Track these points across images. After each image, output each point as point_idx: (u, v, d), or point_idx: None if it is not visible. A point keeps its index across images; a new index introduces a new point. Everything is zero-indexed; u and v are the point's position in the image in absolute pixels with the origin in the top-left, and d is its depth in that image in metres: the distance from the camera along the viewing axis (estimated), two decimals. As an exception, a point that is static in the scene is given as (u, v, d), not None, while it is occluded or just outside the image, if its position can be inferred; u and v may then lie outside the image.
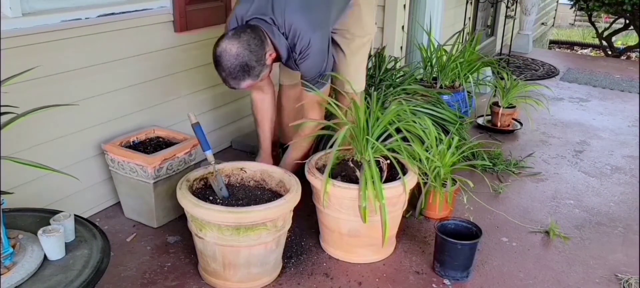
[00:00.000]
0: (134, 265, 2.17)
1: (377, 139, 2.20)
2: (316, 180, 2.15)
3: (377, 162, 2.16)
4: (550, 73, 5.75)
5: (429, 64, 3.71)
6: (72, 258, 1.56)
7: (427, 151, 2.39)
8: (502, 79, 3.90)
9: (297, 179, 2.12)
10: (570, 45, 10.43)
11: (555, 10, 9.64)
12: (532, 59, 6.34)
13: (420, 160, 2.34)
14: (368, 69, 3.45)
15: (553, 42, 10.13)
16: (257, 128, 2.64)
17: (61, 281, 1.46)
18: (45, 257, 1.54)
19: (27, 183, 2.14)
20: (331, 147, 2.17)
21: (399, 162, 2.20)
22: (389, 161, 2.20)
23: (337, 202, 2.13)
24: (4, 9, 1.99)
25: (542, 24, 8.57)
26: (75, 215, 1.69)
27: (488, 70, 4.20)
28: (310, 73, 2.24)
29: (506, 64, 5.59)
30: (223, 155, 3.19)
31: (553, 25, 9.96)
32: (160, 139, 2.55)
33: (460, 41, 3.87)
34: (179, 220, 2.46)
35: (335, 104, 2.28)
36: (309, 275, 2.16)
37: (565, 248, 2.44)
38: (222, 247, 1.93)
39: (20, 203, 1.83)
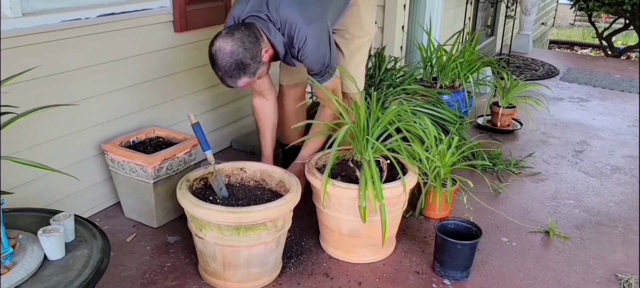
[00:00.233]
0: (134, 265, 2.17)
1: (377, 139, 2.20)
2: (316, 180, 2.15)
3: (377, 162, 2.16)
4: (550, 73, 5.75)
5: (429, 64, 3.71)
6: (72, 258, 1.56)
7: (427, 151, 2.39)
8: (502, 79, 3.91)
9: (297, 179, 2.12)
10: (570, 45, 10.44)
11: (555, 10, 9.65)
12: (532, 59, 6.34)
13: (420, 160, 2.34)
14: (368, 69, 3.45)
15: (553, 42, 10.14)
16: (258, 135, 2.63)
17: (61, 281, 1.46)
18: (45, 257, 1.54)
19: (27, 183, 2.14)
20: (331, 147, 2.17)
21: (399, 162, 2.20)
22: (389, 161, 2.20)
23: (337, 202, 2.13)
24: (4, 9, 1.99)
25: (542, 24, 8.57)
26: (75, 215, 1.69)
27: (488, 70, 4.20)
28: (316, 66, 2.21)
29: (506, 64, 5.59)
30: (223, 155, 3.19)
31: (553, 25, 9.96)
32: (160, 139, 2.55)
33: (460, 41, 3.87)
34: (179, 220, 2.46)
35: (337, 100, 2.28)
36: (309, 275, 2.16)
37: (565, 248, 2.44)
38: (222, 247, 1.93)
39: (20, 203, 1.83)
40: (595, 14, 8.40)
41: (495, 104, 3.88)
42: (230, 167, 2.24)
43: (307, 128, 2.61)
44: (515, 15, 6.01)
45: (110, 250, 1.65)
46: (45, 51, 2.13)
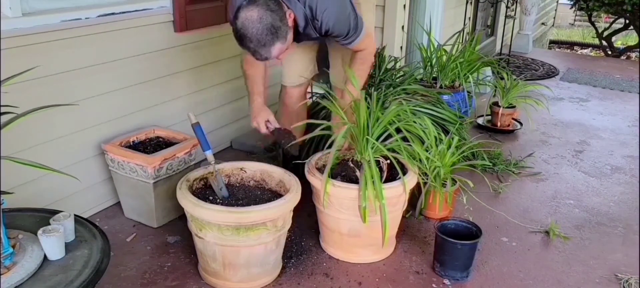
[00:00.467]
0: (134, 265, 2.17)
1: (377, 139, 2.20)
2: (316, 180, 2.15)
3: (377, 162, 2.16)
4: (550, 73, 5.75)
5: (429, 64, 3.71)
6: (72, 258, 1.56)
7: (427, 151, 2.39)
8: (502, 78, 3.90)
9: (297, 179, 2.12)
10: (570, 45, 10.43)
11: (555, 10, 9.64)
12: (532, 59, 6.34)
13: (420, 160, 2.33)
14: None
15: (553, 42, 10.13)
16: (247, 83, 2.43)
17: (61, 281, 1.46)
18: (45, 257, 1.54)
19: (27, 183, 2.14)
20: (330, 147, 2.17)
21: (399, 162, 2.20)
22: (389, 161, 2.19)
23: (337, 202, 2.13)
24: (4, 9, 1.99)
25: (542, 24, 8.57)
26: (75, 215, 1.69)
27: (488, 70, 4.20)
28: (343, 31, 2.19)
29: (506, 64, 5.58)
30: (223, 155, 3.19)
31: (553, 25, 9.96)
32: (160, 139, 2.55)
33: (460, 41, 3.87)
34: (179, 220, 2.46)
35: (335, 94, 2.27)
36: (309, 275, 2.16)
37: (565, 248, 2.44)
38: (222, 247, 1.93)
39: (20, 203, 1.83)
40: (595, 14, 8.39)
41: (495, 104, 3.88)
42: (230, 167, 2.24)
43: (308, 128, 2.61)
44: (515, 15, 6.01)
45: (110, 250, 1.65)
46: (45, 51, 2.13)
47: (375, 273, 2.19)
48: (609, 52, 8.65)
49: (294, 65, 2.59)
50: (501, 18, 6.35)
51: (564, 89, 5.15)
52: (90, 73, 2.34)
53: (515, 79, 3.94)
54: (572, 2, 8.21)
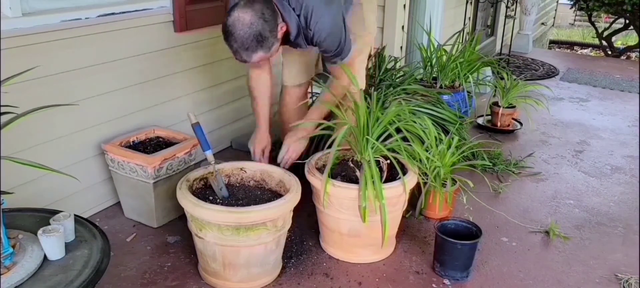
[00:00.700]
0: (134, 265, 2.17)
1: (377, 139, 2.20)
2: (316, 180, 2.15)
3: (377, 162, 2.16)
4: (550, 73, 5.75)
5: (429, 64, 3.72)
6: (72, 258, 1.56)
7: (427, 151, 2.39)
8: (502, 78, 3.91)
9: (297, 179, 2.12)
10: (570, 45, 10.43)
11: (555, 10, 9.64)
12: (532, 59, 6.34)
13: (420, 160, 2.34)
14: (368, 69, 3.45)
15: (553, 42, 10.13)
16: (253, 104, 2.50)
17: (61, 281, 1.46)
18: (45, 257, 1.54)
19: (27, 183, 2.14)
20: (330, 146, 2.17)
21: (399, 162, 2.20)
22: (389, 161, 2.20)
23: (337, 202, 2.13)
24: (4, 9, 1.99)
25: (542, 24, 8.57)
26: (75, 215, 1.69)
27: (488, 70, 4.20)
28: (332, 48, 2.19)
29: (506, 64, 5.58)
30: (223, 155, 3.19)
31: (553, 25, 9.96)
32: (160, 139, 2.55)
33: (460, 41, 3.87)
34: (179, 220, 2.46)
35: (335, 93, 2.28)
36: (309, 275, 2.16)
37: (565, 248, 2.44)
38: (222, 247, 1.93)
39: (20, 203, 1.83)
40: (595, 14, 8.40)
41: (495, 104, 3.88)
42: (230, 167, 2.24)
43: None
44: (515, 15, 6.01)
45: (110, 250, 1.65)
46: (45, 51, 2.13)
47: (375, 273, 2.19)
48: (609, 52, 8.65)
49: (295, 66, 2.60)
50: (501, 18, 6.35)
51: (564, 89, 5.15)
52: (90, 73, 2.34)
53: (515, 79, 3.94)
54: (572, 2, 8.22)
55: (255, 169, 2.25)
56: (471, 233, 2.19)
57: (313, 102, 3.04)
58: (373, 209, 2.09)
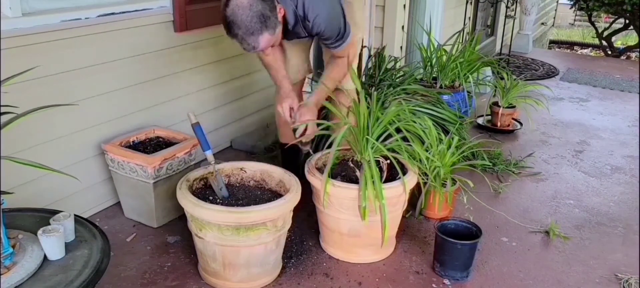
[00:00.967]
0: (134, 265, 2.17)
1: (377, 139, 2.20)
2: (316, 180, 2.15)
3: (377, 162, 2.16)
4: (550, 73, 5.75)
5: (429, 63, 3.71)
6: (72, 258, 1.56)
7: (427, 151, 2.39)
8: (502, 78, 3.91)
9: (297, 179, 2.12)
10: (570, 45, 10.44)
11: (555, 10, 9.65)
12: (532, 59, 6.35)
13: (420, 160, 2.34)
14: (368, 69, 3.46)
15: (553, 42, 10.14)
16: (271, 72, 2.44)
17: (61, 281, 1.46)
18: (45, 257, 1.54)
19: (27, 183, 2.14)
20: (330, 146, 2.16)
21: (399, 162, 2.20)
22: (389, 161, 2.19)
23: (337, 202, 2.13)
24: (4, 9, 1.99)
25: (542, 23, 8.57)
26: (75, 215, 1.69)
27: (488, 70, 4.20)
28: (332, 34, 2.19)
29: (506, 64, 5.58)
30: (223, 155, 3.19)
31: (553, 25, 9.96)
32: (160, 139, 2.55)
33: (460, 41, 3.87)
34: (179, 220, 2.46)
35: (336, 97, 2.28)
36: (309, 275, 2.16)
37: (565, 248, 2.44)
38: (222, 247, 1.93)
39: (20, 203, 1.83)
40: (595, 14, 8.40)
41: (495, 104, 3.88)
42: (230, 167, 2.24)
43: (306, 127, 2.61)
44: (515, 15, 6.01)
45: (110, 250, 1.65)
46: (45, 51, 2.13)
47: (375, 273, 2.19)
48: (609, 52, 8.65)
49: (288, 63, 2.59)
50: (501, 18, 6.35)
51: (564, 89, 5.15)
52: (90, 73, 2.34)
53: (515, 79, 3.94)
54: (572, 2, 8.22)
55: (255, 169, 2.25)
56: (471, 233, 2.19)
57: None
58: (373, 209, 2.08)
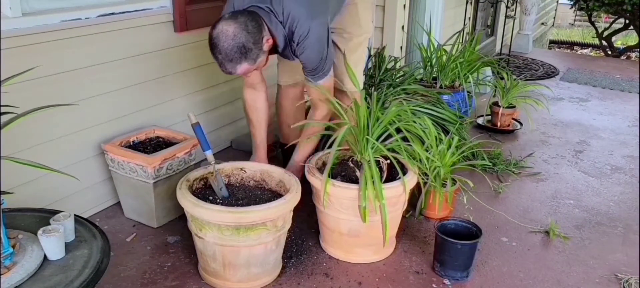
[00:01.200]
0: (134, 265, 2.17)
1: (377, 139, 2.20)
2: (316, 180, 2.15)
3: (377, 162, 2.16)
4: (550, 73, 5.75)
5: (429, 64, 3.72)
6: (72, 258, 1.56)
7: (427, 151, 2.40)
8: (502, 78, 3.91)
9: (297, 179, 2.12)
10: (570, 45, 10.44)
11: (555, 10, 9.65)
12: (532, 59, 6.35)
13: (420, 160, 2.34)
14: (368, 69, 3.46)
15: (553, 42, 10.14)
16: (251, 129, 2.55)
17: (61, 281, 1.46)
18: (45, 257, 1.54)
19: (27, 183, 2.14)
20: (330, 147, 2.17)
21: (399, 162, 2.20)
22: (389, 161, 2.20)
23: (337, 202, 2.13)
24: (4, 9, 1.99)
25: (542, 24, 8.57)
26: (75, 215, 1.69)
27: (488, 70, 4.20)
28: (312, 63, 2.21)
29: (506, 64, 5.59)
30: (223, 155, 3.19)
31: (553, 25, 9.96)
32: (160, 139, 2.55)
33: (460, 41, 3.87)
34: (179, 220, 2.46)
35: (337, 101, 2.28)
36: (309, 275, 2.16)
37: (565, 248, 2.44)
38: (222, 247, 1.93)
39: (20, 203, 1.83)
40: (595, 14, 8.40)
41: (495, 104, 3.88)
42: (230, 167, 2.24)
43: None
44: (515, 15, 6.01)
45: (110, 250, 1.65)
46: (45, 51, 2.13)
47: (375, 273, 2.19)
48: (609, 52, 8.65)
49: (289, 65, 2.59)
50: (501, 18, 6.36)
51: (564, 89, 5.15)
52: (90, 73, 2.34)
53: (515, 79, 3.94)
54: (572, 2, 8.22)
55: (255, 169, 2.25)
56: (471, 233, 2.19)
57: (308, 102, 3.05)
58: (373, 209, 2.09)
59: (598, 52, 9.37)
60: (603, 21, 9.54)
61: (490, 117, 3.93)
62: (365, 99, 2.45)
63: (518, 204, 2.82)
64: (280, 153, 2.89)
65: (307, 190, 2.20)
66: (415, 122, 2.36)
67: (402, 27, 4.14)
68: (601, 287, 2.19)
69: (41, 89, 2.13)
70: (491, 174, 3.14)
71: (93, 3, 2.33)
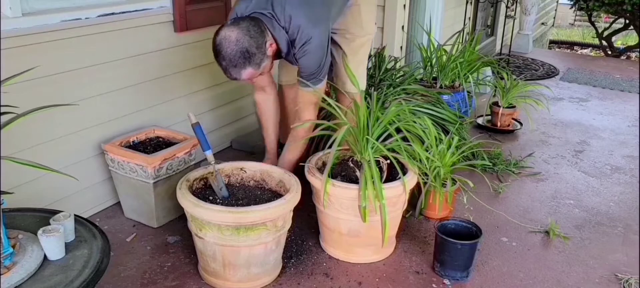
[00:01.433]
0: (134, 265, 2.17)
1: (377, 139, 2.20)
2: (316, 180, 2.15)
3: (377, 162, 2.16)
4: (550, 73, 5.75)
5: (429, 63, 3.72)
6: (72, 258, 1.56)
7: (427, 151, 2.39)
8: (502, 78, 3.91)
9: (297, 179, 2.12)
10: (570, 45, 10.44)
11: (555, 10, 9.65)
12: (532, 59, 6.35)
13: (420, 160, 2.34)
14: (368, 69, 3.46)
15: (553, 42, 10.14)
16: (262, 130, 2.62)
17: (61, 281, 1.46)
18: (45, 257, 1.54)
19: (27, 183, 2.14)
20: (330, 147, 2.17)
21: (399, 162, 2.20)
22: (389, 161, 2.20)
23: (337, 202, 2.13)
24: (4, 9, 1.99)
25: (542, 23, 8.57)
26: (75, 215, 1.69)
27: (488, 70, 4.20)
28: (310, 68, 2.22)
29: (506, 64, 5.59)
30: (223, 155, 3.19)
31: (553, 25, 9.96)
32: (160, 139, 2.55)
33: (460, 41, 3.87)
34: (179, 220, 2.46)
35: (336, 105, 2.28)
36: (309, 275, 2.16)
37: (565, 248, 2.44)
38: (222, 247, 1.93)
39: (20, 203, 1.83)
40: (595, 14, 8.40)
41: (495, 103, 3.88)
42: (230, 167, 2.24)
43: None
44: (515, 15, 6.01)
45: (110, 250, 1.65)
46: (45, 51, 2.13)
47: (375, 273, 2.19)
48: (609, 52, 8.65)
49: (290, 65, 2.60)
50: (501, 18, 6.36)
51: (564, 89, 5.15)
52: (90, 73, 2.34)
53: (515, 79, 3.94)
54: (572, 2, 8.21)
55: (255, 169, 2.25)
56: (471, 233, 2.19)
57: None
58: (373, 209, 2.09)
59: (598, 52, 9.37)
60: (603, 21, 9.54)
61: (490, 117, 3.93)
62: (365, 99, 2.45)
63: (518, 204, 2.82)
64: (280, 154, 2.89)
65: (307, 190, 2.20)
66: (415, 122, 2.36)
67: (402, 27, 4.14)
68: (601, 287, 2.19)
69: (41, 89, 2.13)
70: (491, 174, 3.14)
71: (93, 3, 2.33)
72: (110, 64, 2.42)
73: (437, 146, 2.48)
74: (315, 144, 2.69)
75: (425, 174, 2.46)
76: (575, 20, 12.05)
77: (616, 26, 8.68)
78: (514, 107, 3.87)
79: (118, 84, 2.49)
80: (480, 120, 3.93)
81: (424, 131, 2.38)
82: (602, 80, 5.56)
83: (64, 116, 2.26)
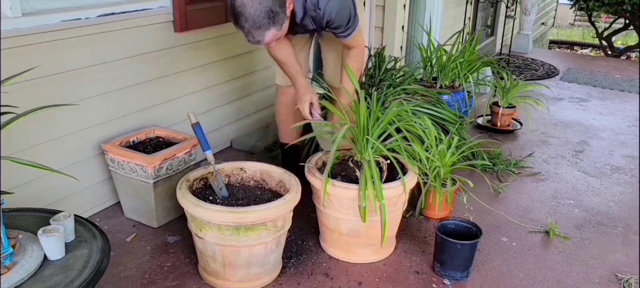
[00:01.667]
0: (134, 265, 2.17)
1: (377, 139, 2.20)
2: (316, 180, 2.15)
3: (377, 162, 2.16)
4: (550, 73, 5.75)
5: (429, 63, 3.71)
6: (72, 258, 1.56)
7: (427, 151, 2.39)
8: (502, 78, 3.91)
9: (297, 179, 2.12)
10: (570, 45, 10.44)
11: (555, 10, 9.64)
12: (532, 59, 6.35)
13: (420, 160, 2.33)
14: (368, 69, 3.45)
15: (553, 42, 10.14)
16: (283, 68, 2.45)
17: (61, 281, 1.46)
18: (45, 257, 1.54)
19: (27, 183, 2.14)
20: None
21: (399, 162, 2.20)
22: (389, 161, 2.20)
23: (337, 202, 2.13)
24: (4, 9, 1.99)
25: (542, 24, 8.57)
26: (75, 215, 1.69)
27: (488, 70, 4.20)
28: (343, 22, 2.18)
29: (506, 64, 5.58)
30: (223, 155, 3.19)
31: (553, 25, 9.96)
32: (160, 139, 2.55)
33: (460, 41, 3.87)
34: (179, 220, 2.46)
35: (334, 102, 2.28)
36: (309, 275, 2.16)
37: (565, 248, 2.44)
38: (222, 247, 1.93)
39: (20, 203, 1.83)
40: (595, 14, 8.40)
41: (495, 103, 3.88)
42: (230, 167, 2.24)
43: (305, 127, 2.61)
44: (515, 15, 6.01)
45: (110, 250, 1.65)
46: (45, 51, 2.13)
47: (375, 273, 2.19)
48: (609, 52, 8.65)
49: (285, 65, 2.58)
50: (501, 18, 6.36)
51: (564, 89, 5.15)
52: (90, 73, 2.34)
53: (515, 79, 3.94)
54: (572, 2, 8.21)
55: (255, 169, 2.25)
56: (471, 233, 2.19)
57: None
58: (373, 209, 2.09)
59: (598, 52, 9.37)
60: (603, 21, 9.54)
61: (490, 117, 3.93)
62: (365, 98, 2.45)
63: (518, 204, 2.82)
64: (280, 153, 2.89)
65: (307, 190, 2.20)
66: (415, 122, 2.36)
67: (402, 27, 4.14)
68: (601, 287, 2.19)
69: (41, 89, 2.13)
70: (491, 174, 3.14)
71: (93, 3, 2.33)
72: (110, 64, 2.42)
73: (437, 146, 2.48)
74: (315, 144, 2.69)
75: (425, 174, 2.46)
76: (575, 20, 12.05)
77: (616, 26, 8.68)
78: (514, 107, 3.87)
79: (118, 84, 2.49)
80: (480, 120, 3.93)
81: (424, 131, 2.38)
82: (602, 80, 5.56)
83: (64, 116, 2.26)
